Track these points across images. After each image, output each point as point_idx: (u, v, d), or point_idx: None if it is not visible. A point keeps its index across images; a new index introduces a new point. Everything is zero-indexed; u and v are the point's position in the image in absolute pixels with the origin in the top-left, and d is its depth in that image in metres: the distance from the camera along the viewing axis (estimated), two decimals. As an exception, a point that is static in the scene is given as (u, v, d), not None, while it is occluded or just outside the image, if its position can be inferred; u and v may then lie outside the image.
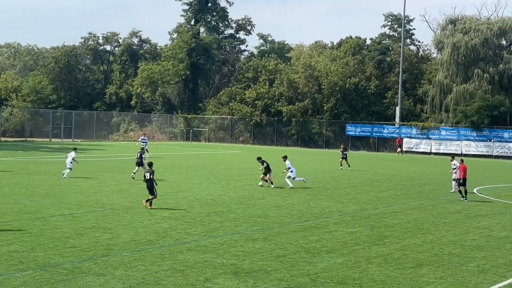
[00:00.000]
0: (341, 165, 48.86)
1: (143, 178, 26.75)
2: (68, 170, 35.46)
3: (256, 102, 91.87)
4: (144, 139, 55.14)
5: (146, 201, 25.34)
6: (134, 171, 35.53)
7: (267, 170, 34.10)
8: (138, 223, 21.66)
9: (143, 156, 36.76)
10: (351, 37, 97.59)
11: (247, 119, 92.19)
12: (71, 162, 35.96)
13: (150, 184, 25.54)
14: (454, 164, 33.39)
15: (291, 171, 34.76)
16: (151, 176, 25.63)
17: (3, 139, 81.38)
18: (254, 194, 30.62)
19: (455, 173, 32.70)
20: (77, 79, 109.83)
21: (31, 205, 24.93)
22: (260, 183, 34.06)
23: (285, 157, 35.77)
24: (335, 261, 17.04)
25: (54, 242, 18.06)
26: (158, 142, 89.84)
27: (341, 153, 49.23)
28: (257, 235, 20.18)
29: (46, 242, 17.95)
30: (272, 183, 33.92)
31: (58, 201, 26.19)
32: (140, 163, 35.80)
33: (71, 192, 29.38)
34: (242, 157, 60.09)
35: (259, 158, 35.20)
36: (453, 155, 36.87)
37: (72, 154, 36.42)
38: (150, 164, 26.68)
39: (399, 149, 79.01)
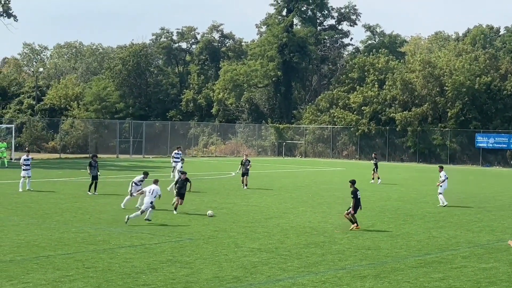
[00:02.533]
0: (372, 178, 52.06)
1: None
2: (128, 197, 33.69)
3: (363, 108, 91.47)
4: (178, 153, 52.06)
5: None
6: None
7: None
8: (222, 256, 21.85)
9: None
10: (480, 25, 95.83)
11: (352, 129, 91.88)
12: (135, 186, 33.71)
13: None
14: (442, 176, 37.45)
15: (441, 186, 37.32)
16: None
17: (63, 155, 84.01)
18: (362, 221, 30.36)
19: (441, 186, 37.25)
20: (148, 84, 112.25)
21: (96, 234, 25.57)
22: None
23: (441, 168, 38.37)
24: (465, 304, 16.70)
25: (124, 278, 18.45)
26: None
27: (373, 164, 52.94)
28: (367, 272, 20.02)
29: (114, 279, 18.37)
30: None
31: (127, 229, 26.74)
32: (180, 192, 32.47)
33: (142, 220, 29.95)
34: (346, 176, 59.75)
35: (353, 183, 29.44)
36: (441, 166, 39.85)
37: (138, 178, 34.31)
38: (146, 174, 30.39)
39: None
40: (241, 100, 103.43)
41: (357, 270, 20.21)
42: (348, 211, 28.28)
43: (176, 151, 53.55)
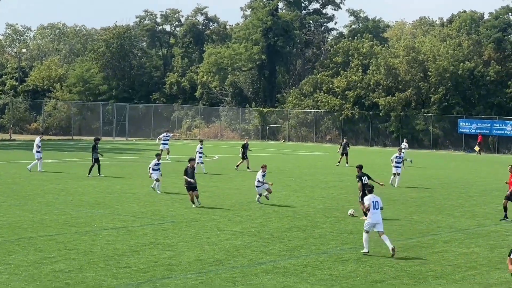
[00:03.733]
0: (339, 162, 52.98)
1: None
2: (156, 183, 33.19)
3: (346, 92, 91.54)
4: (166, 136, 53.68)
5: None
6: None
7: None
8: (204, 239, 21.89)
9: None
10: (464, 11, 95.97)
11: (335, 114, 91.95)
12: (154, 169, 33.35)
13: None
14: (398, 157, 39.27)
15: None
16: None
17: (45, 137, 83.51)
18: (344, 205, 30.47)
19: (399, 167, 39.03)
20: (132, 66, 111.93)
21: (78, 216, 25.56)
22: (351, 211, 27.98)
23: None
24: (446, 289, 16.82)
25: (106, 260, 18.46)
26: (227, 141, 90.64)
27: (342, 147, 53.95)
28: (348, 255, 20.10)
29: (96, 261, 18.38)
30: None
31: (109, 211, 26.74)
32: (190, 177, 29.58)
33: (125, 201, 29.95)
34: (329, 160, 59.89)
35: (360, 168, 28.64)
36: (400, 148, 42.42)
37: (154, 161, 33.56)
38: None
39: (477, 147, 77.97)
40: (225, 83, 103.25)
41: (338, 254, 20.29)
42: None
43: (164, 134, 53.89)
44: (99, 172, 39.72)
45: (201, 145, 45.22)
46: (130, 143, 77.37)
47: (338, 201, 31.99)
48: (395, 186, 38.36)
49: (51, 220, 24.52)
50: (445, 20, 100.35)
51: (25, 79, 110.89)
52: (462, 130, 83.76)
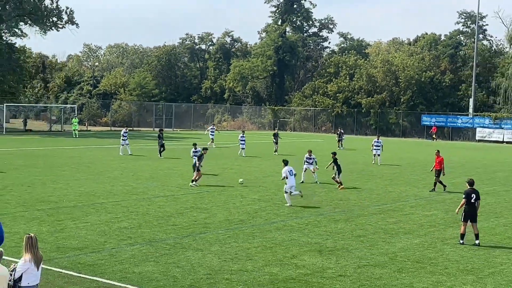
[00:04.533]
0: (338, 147, 52.80)
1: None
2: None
3: (337, 94, 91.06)
4: (212, 128, 52.67)
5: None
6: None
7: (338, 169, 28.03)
8: (231, 204, 21.93)
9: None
10: (426, 33, 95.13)
11: (329, 111, 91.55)
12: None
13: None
14: (379, 142, 39.58)
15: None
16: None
17: (113, 128, 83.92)
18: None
19: (378, 149, 39.08)
20: (177, 75, 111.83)
21: (137, 187, 25.65)
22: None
23: (378, 136, 42.17)
24: (412, 241, 16.75)
25: (158, 220, 18.53)
26: (248, 131, 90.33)
27: (338, 135, 54.51)
28: (339, 217, 20.07)
29: (151, 220, 18.44)
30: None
31: (161, 184, 26.84)
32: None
33: (172, 176, 30.01)
34: (324, 145, 59.71)
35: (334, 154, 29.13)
36: (379, 135, 45.75)
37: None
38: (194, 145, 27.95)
39: (434, 136, 78.08)
40: (246, 88, 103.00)
41: (332, 216, 20.26)
42: (333, 176, 27.99)
43: (211, 127, 53.61)
44: (160, 154, 39.25)
45: (243, 134, 43.20)
46: (175, 133, 77.36)
47: (329, 175, 31.88)
48: (378, 164, 38.53)
49: (117, 190, 24.62)
50: (411, 39, 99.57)
51: (98, 85, 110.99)
52: (424, 123, 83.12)
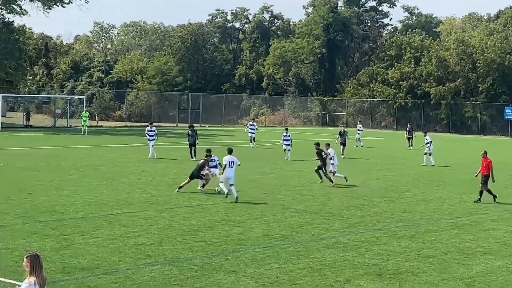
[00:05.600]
0: (408, 146, 53.57)
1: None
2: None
3: (400, 83, 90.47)
4: (252, 125, 52.30)
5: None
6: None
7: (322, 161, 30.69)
8: (270, 216, 21.94)
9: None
10: (510, 7, 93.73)
11: (390, 102, 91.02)
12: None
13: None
14: (426, 139, 40.45)
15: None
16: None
17: (128, 124, 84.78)
18: (398, 187, 30.22)
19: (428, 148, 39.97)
20: (205, 60, 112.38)
21: (158, 195, 25.86)
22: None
23: (425, 133, 42.42)
24: (493, 264, 16.53)
25: (183, 235, 18.64)
26: (290, 127, 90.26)
27: (407, 132, 54.97)
28: (403, 232, 19.93)
29: (174, 235, 18.58)
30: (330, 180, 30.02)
31: (185, 190, 26.97)
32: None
33: (200, 181, 30.12)
34: (384, 144, 59.41)
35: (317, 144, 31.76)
36: (425, 131, 46.16)
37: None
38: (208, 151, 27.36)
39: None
40: (289, 74, 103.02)
41: (393, 231, 20.13)
42: (316, 168, 30.45)
43: (251, 123, 53.47)
44: (194, 155, 38.57)
45: (286, 132, 42.81)
46: (203, 129, 77.74)
47: (393, 183, 31.70)
48: (425, 163, 40.06)
49: (133, 198, 24.86)
50: (492, 15, 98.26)
51: (110, 71, 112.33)
52: (509, 117, 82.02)
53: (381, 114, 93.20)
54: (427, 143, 40.42)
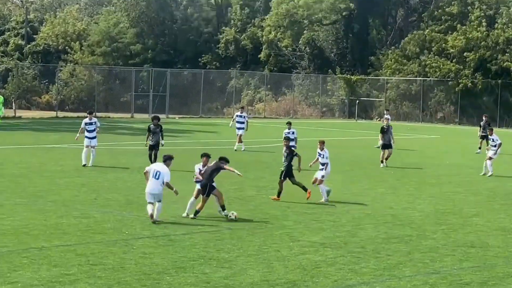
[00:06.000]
0: (479, 147, 54.21)
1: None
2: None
3: (465, 54, 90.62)
4: (241, 116, 52.49)
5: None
6: None
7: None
8: (272, 252, 21.94)
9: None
10: None
11: (450, 83, 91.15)
12: None
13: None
14: (494, 140, 41.62)
15: None
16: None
17: (61, 114, 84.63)
18: (462, 208, 30.26)
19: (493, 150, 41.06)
20: (174, 19, 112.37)
21: (104, 219, 25.82)
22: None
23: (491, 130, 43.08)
24: None
25: (142, 280, 18.59)
26: (303, 119, 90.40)
27: (481, 128, 55.19)
28: (470, 277, 19.96)
29: (128, 280, 18.54)
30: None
31: (146, 214, 26.93)
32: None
33: (166, 200, 30.10)
34: (442, 146, 59.49)
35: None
36: (490, 127, 47.40)
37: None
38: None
39: None
40: (300, 42, 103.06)
41: (456, 275, 20.14)
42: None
43: (239, 113, 53.25)
44: (151, 163, 38.87)
45: (288, 129, 43.33)
46: (171, 122, 77.77)
47: (455, 202, 31.72)
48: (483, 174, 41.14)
49: (69, 224, 24.82)
50: None
51: (34, 36, 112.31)
52: None
53: (437, 100, 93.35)
54: (495, 145, 41.41)
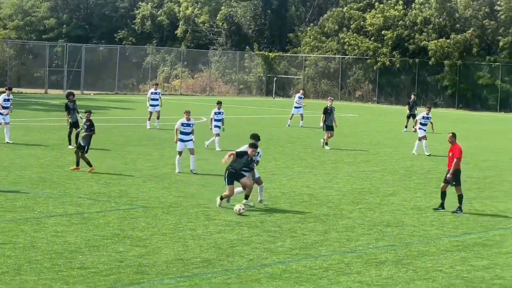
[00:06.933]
0: (406, 126, 55.13)
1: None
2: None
3: (383, 32, 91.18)
4: (155, 93, 52.25)
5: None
6: None
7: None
8: (187, 231, 21.89)
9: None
10: None
11: (368, 61, 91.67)
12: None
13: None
14: (429, 118, 42.87)
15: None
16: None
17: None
18: (380, 187, 30.47)
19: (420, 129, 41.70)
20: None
21: (15, 198, 25.54)
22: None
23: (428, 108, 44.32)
24: (518, 303, 16.82)
25: (53, 259, 18.40)
26: (219, 96, 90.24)
27: (409, 107, 56.17)
28: (385, 256, 20.10)
29: (40, 259, 18.31)
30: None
31: (59, 192, 26.71)
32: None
33: (80, 178, 29.91)
34: (360, 125, 59.86)
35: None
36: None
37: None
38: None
39: None
40: (217, 17, 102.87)
41: (372, 254, 20.28)
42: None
43: (153, 90, 52.86)
44: (69, 141, 38.53)
45: (218, 109, 41.97)
46: (86, 98, 77.16)
47: (372, 181, 31.93)
48: (427, 154, 40.76)
49: (-22, 203, 24.55)
50: None
51: None
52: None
53: (356, 78, 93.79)
54: (426, 124, 42.28)
